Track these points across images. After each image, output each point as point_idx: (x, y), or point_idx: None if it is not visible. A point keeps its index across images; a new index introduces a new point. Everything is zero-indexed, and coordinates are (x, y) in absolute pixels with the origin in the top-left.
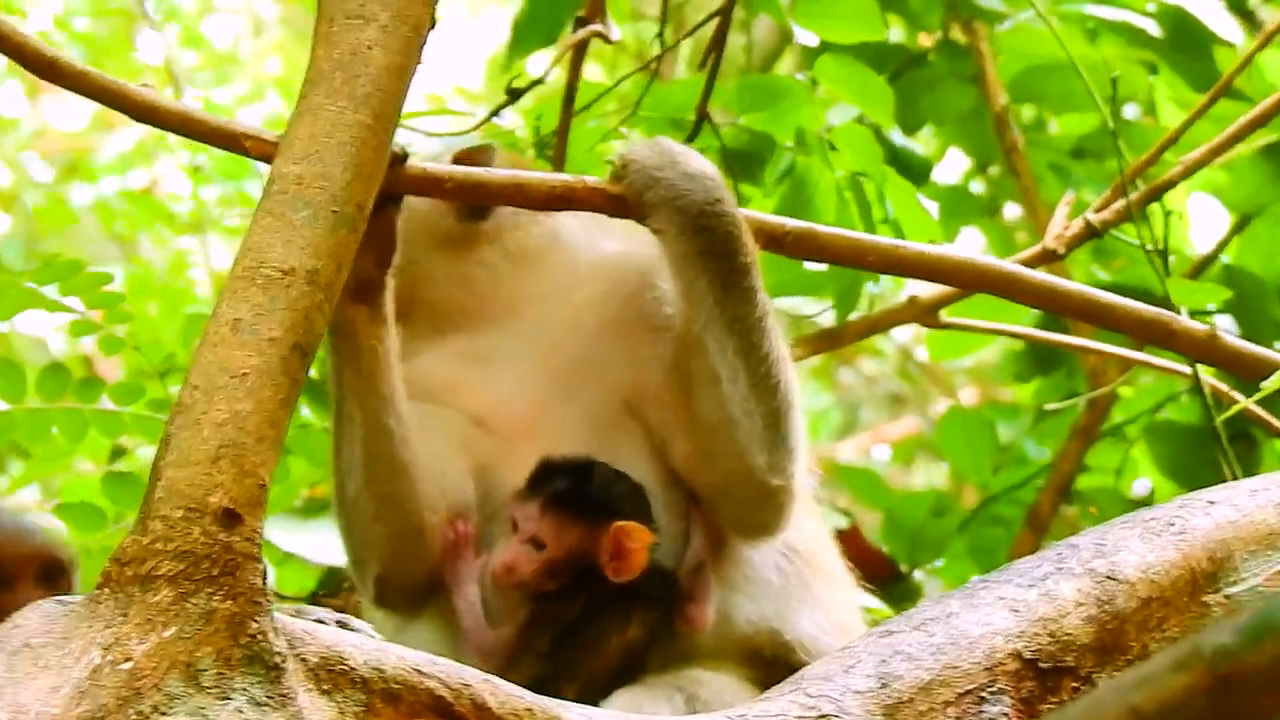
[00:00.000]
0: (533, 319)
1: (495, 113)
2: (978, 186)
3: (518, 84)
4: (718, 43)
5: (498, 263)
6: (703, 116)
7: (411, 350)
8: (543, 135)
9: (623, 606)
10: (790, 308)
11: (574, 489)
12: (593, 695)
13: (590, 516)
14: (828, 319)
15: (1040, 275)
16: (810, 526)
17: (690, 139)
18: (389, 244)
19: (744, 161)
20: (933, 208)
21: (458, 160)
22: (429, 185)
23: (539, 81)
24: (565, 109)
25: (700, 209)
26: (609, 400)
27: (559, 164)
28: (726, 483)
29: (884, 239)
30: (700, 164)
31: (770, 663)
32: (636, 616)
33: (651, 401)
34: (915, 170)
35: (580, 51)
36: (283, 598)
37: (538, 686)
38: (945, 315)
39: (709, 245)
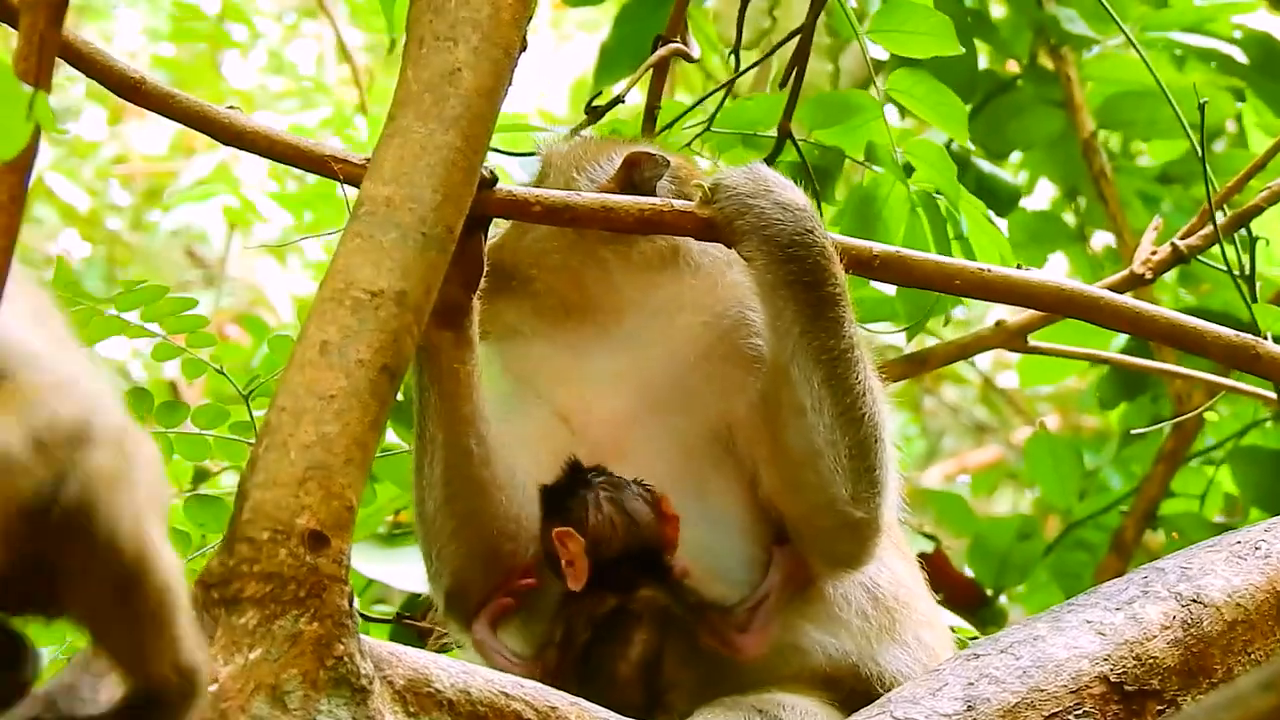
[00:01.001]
0: (635, 330)
1: (576, 131)
2: (1068, 217)
3: (599, 104)
4: (799, 58)
5: (613, 264)
6: (785, 134)
7: (511, 327)
8: None
9: (619, 634)
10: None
11: (551, 489)
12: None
13: (547, 518)
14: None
15: (1126, 299)
16: (901, 567)
17: (772, 157)
18: (476, 268)
19: (816, 176)
20: (1003, 226)
21: (629, 161)
22: (518, 208)
23: (619, 100)
24: (645, 128)
25: (790, 239)
26: (699, 427)
27: None
28: (810, 514)
29: (971, 263)
30: (793, 194)
31: (853, 694)
32: (634, 637)
33: (741, 432)
34: (1002, 197)
35: (661, 71)
36: (368, 619)
37: None
38: (1032, 340)
39: (798, 275)
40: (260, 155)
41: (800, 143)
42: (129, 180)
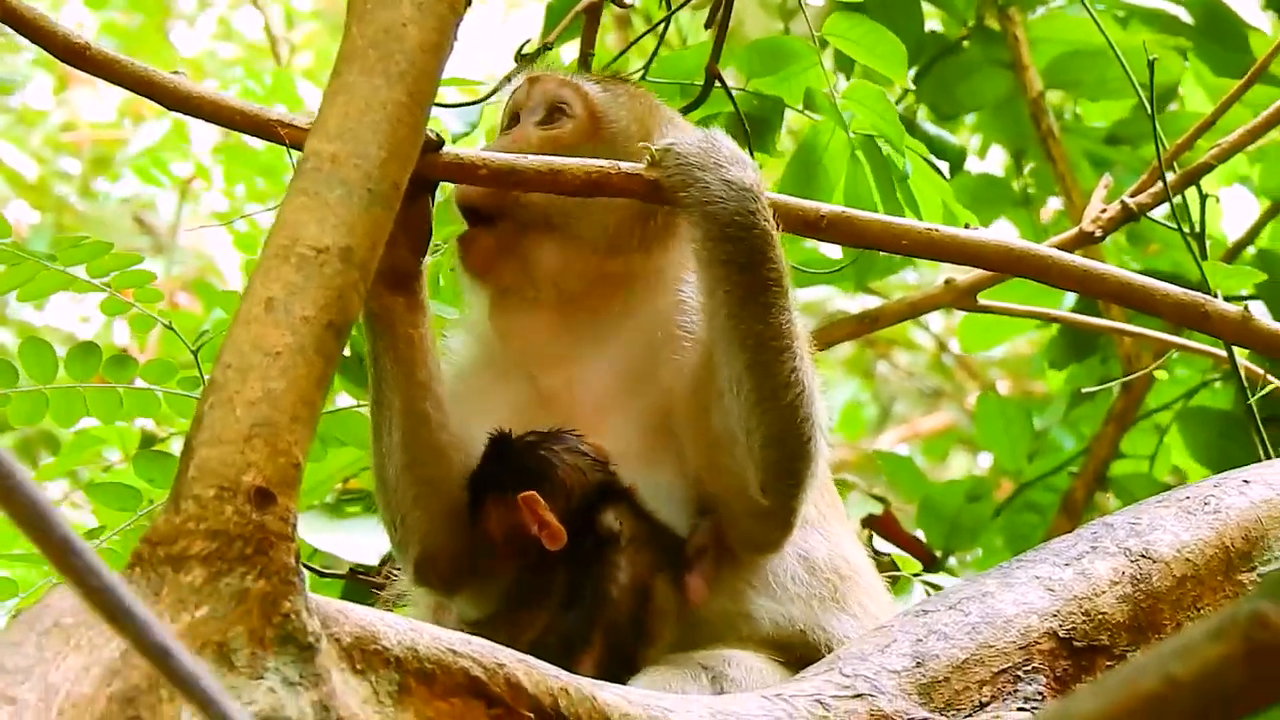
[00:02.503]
0: (621, 312)
1: (508, 79)
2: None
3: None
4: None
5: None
6: (712, 77)
7: (508, 303)
8: None
9: (606, 560)
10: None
11: (477, 475)
12: (621, 659)
13: (495, 494)
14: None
15: (1074, 258)
16: (845, 541)
17: (698, 102)
18: (424, 232)
19: (755, 126)
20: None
21: None
22: (463, 172)
23: (548, 46)
24: None
25: (731, 218)
26: (656, 406)
27: None
28: (724, 495)
29: (919, 223)
30: (742, 171)
31: (802, 659)
32: (622, 559)
33: (677, 409)
34: (949, 159)
35: (594, 18)
36: (319, 574)
37: (565, 652)
38: (982, 299)
39: (732, 255)
40: (206, 120)
41: (737, 91)
42: (77, 148)
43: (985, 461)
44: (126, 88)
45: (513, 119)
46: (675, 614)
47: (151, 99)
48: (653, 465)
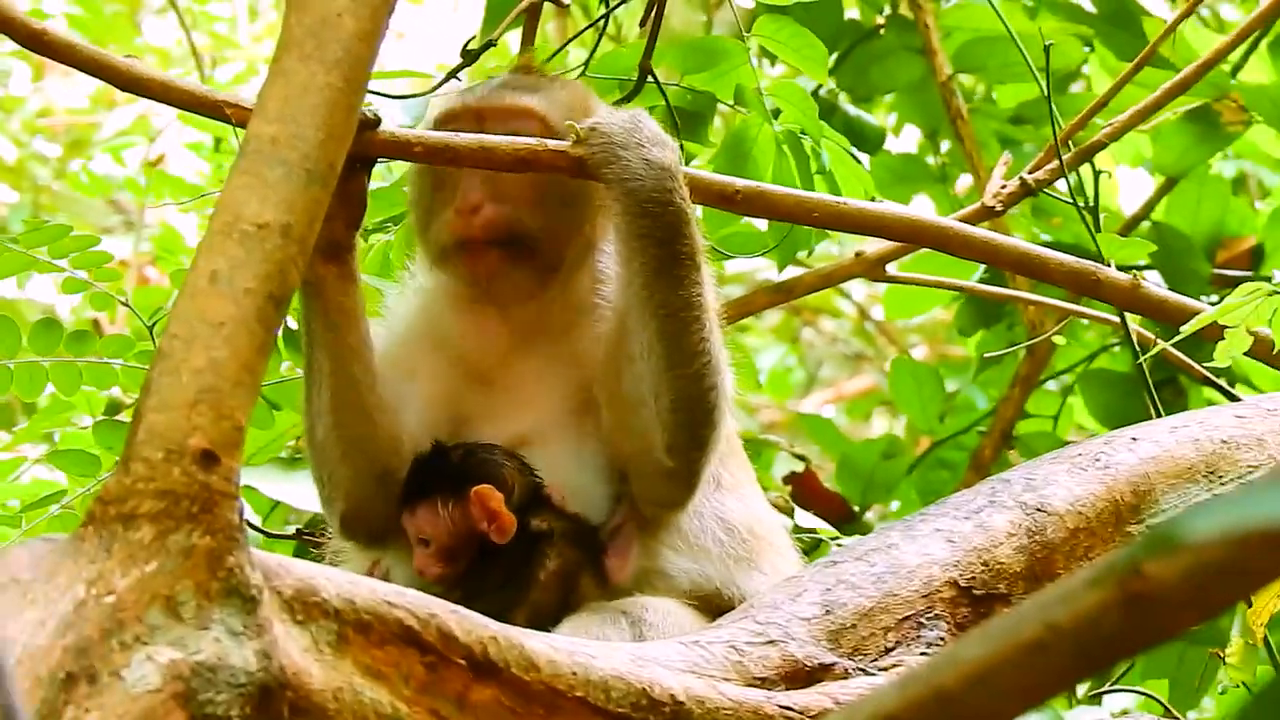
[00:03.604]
0: (553, 296)
1: (453, 74)
2: (931, 159)
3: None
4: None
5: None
6: (645, 73)
7: (469, 295)
8: None
9: (538, 551)
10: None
11: (419, 479)
12: (542, 623)
13: (444, 494)
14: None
15: (975, 230)
16: (757, 505)
17: (631, 97)
18: (359, 207)
19: (688, 120)
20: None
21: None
22: (399, 149)
23: (492, 43)
24: None
25: (649, 195)
26: (579, 378)
27: None
28: (631, 456)
29: (827, 196)
30: (662, 152)
31: (717, 609)
32: (552, 551)
33: (594, 375)
34: (869, 138)
35: (534, 14)
36: (269, 535)
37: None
38: (892, 270)
39: (649, 230)
40: (157, 100)
41: (669, 87)
42: (53, 132)
43: (905, 420)
44: (83, 70)
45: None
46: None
47: (107, 81)
48: (579, 435)
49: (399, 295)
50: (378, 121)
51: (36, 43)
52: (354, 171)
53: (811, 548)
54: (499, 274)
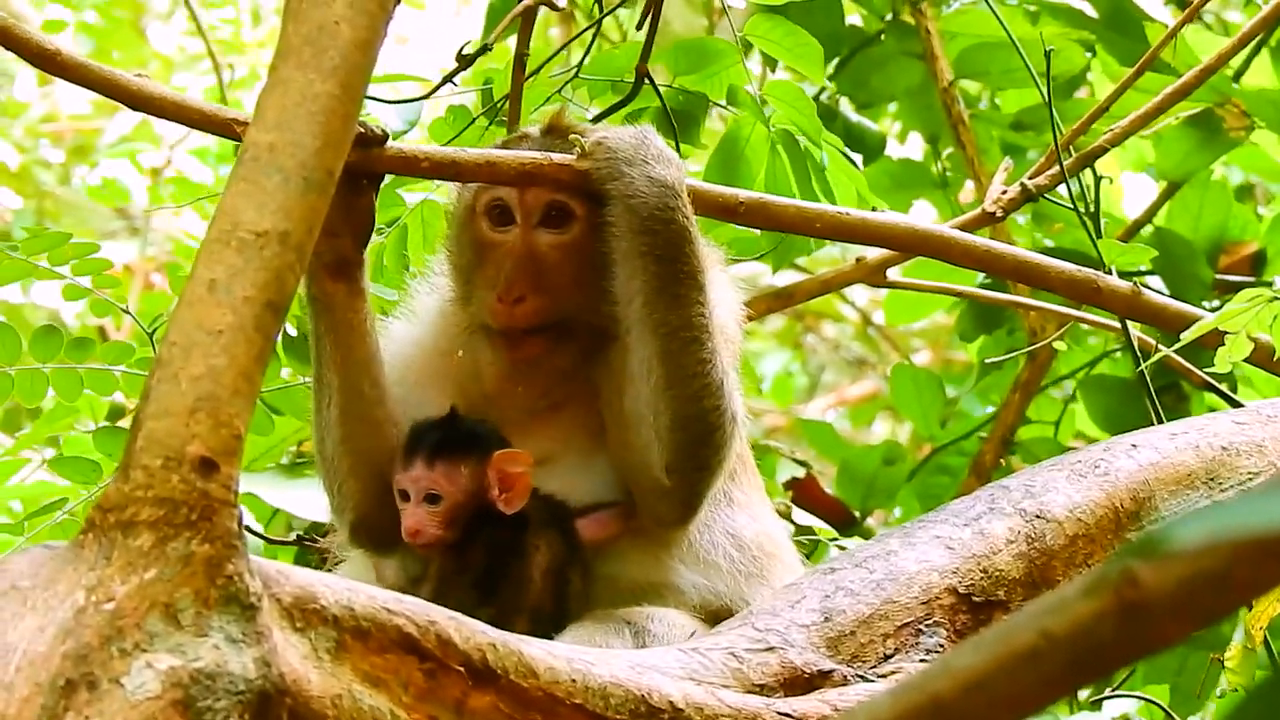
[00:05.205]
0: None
1: (449, 78)
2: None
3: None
4: (655, 1)
5: None
6: (642, 75)
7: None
8: (494, 101)
9: (523, 541)
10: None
11: (450, 434)
12: (543, 630)
13: (473, 452)
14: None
15: (976, 239)
16: (768, 521)
17: (629, 99)
18: (367, 223)
19: (680, 121)
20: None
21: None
22: (406, 165)
23: (487, 48)
24: (516, 75)
25: (651, 212)
26: (591, 398)
27: (514, 125)
28: (631, 473)
29: (830, 206)
30: (666, 170)
31: (720, 619)
32: (540, 542)
33: (601, 388)
34: (869, 145)
35: (529, 18)
36: (270, 541)
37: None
38: (892, 275)
39: (650, 248)
40: (168, 119)
41: (663, 87)
42: (58, 138)
43: (908, 426)
44: (95, 90)
45: (500, 210)
46: (585, 592)
47: (118, 100)
48: (589, 455)
49: (411, 307)
50: (385, 138)
51: (50, 64)
52: (361, 188)
53: (810, 551)
54: (541, 359)
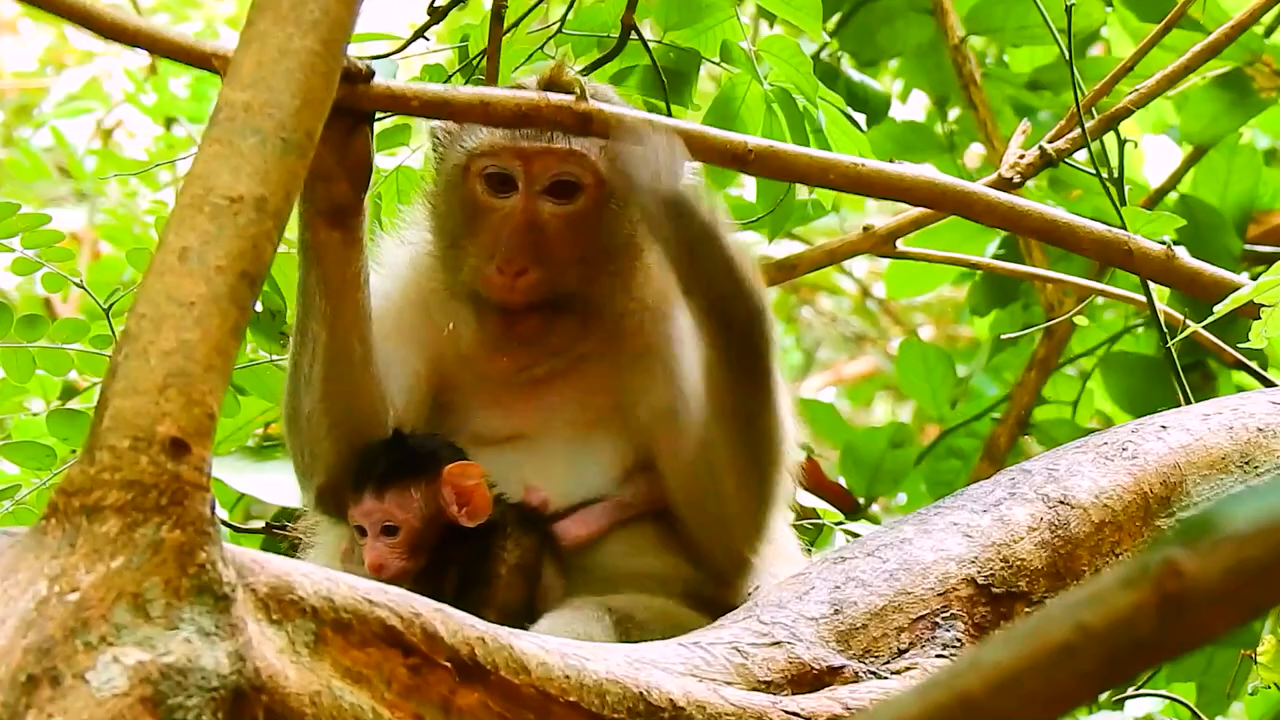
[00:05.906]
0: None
1: (419, 33)
2: (940, 128)
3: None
4: None
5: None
6: (628, 27)
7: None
8: (471, 58)
9: (493, 545)
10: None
11: (392, 459)
12: (515, 622)
13: (422, 473)
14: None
15: (999, 195)
16: None
17: (614, 54)
18: (365, 167)
19: (671, 80)
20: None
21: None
22: (395, 103)
23: (461, 1)
24: (493, 30)
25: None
26: (582, 377)
27: (491, 84)
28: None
29: (846, 157)
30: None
31: (715, 613)
32: (509, 543)
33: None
34: (873, 105)
35: None
36: (238, 530)
37: None
38: (902, 245)
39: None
40: (146, 50)
41: (652, 43)
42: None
43: (910, 406)
44: (69, 19)
45: (502, 181)
46: (563, 585)
47: (94, 30)
48: (574, 435)
49: (394, 257)
50: (370, 74)
51: None
52: (355, 129)
53: (814, 538)
54: (538, 334)
